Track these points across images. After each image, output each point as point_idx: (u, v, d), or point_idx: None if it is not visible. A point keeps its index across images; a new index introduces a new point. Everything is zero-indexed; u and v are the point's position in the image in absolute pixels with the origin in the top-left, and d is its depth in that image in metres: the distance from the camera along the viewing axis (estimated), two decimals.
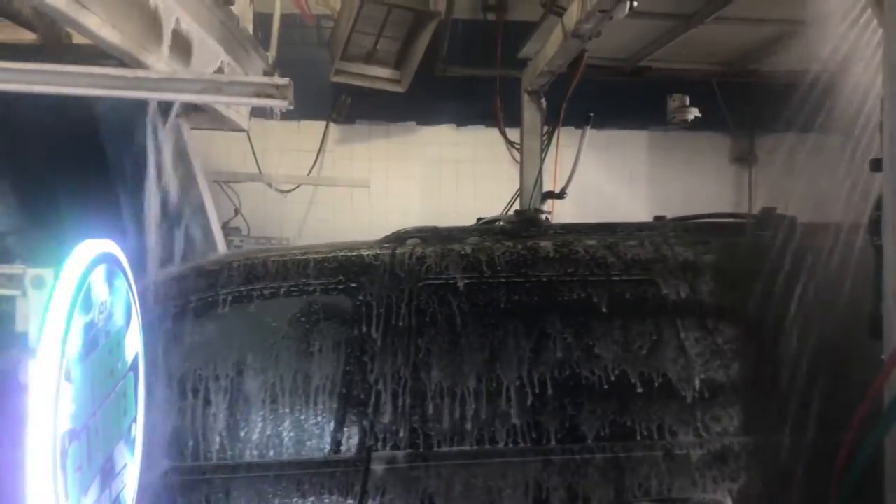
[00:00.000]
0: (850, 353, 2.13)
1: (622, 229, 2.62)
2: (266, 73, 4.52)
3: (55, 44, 3.42)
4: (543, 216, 4.71)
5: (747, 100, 5.69)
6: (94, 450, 1.44)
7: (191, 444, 2.24)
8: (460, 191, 6.35)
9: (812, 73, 2.33)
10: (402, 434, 2.22)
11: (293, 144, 6.21)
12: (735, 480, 2.19)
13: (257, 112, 4.78)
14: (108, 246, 1.54)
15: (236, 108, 4.29)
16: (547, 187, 4.99)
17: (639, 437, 2.22)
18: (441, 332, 2.32)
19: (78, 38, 3.34)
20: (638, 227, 2.64)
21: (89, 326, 1.42)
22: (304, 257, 2.48)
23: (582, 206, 5.05)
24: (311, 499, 2.17)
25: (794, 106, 2.36)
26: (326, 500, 2.17)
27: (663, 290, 2.37)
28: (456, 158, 6.38)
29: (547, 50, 4.29)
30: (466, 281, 2.38)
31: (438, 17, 5.43)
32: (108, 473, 1.52)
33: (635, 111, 6.06)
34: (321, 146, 6.29)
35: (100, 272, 1.48)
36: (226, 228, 5.23)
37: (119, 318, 1.60)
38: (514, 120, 5.47)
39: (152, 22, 2.92)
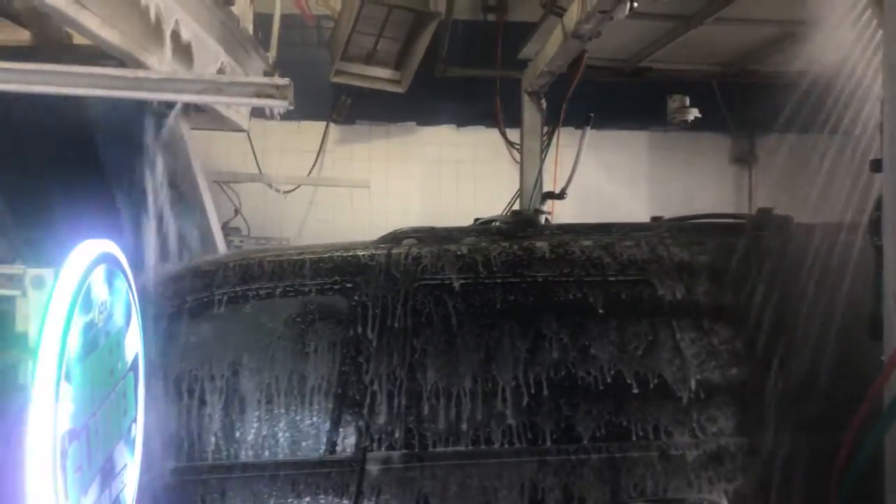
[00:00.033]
0: (847, 353, 2.13)
1: (618, 230, 2.62)
2: (266, 74, 4.52)
3: (50, 44, 3.41)
4: (543, 216, 4.72)
5: (747, 100, 5.69)
6: (94, 450, 1.44)
7: (185, 444, 2.23)
8: (460, 191, 6.35)
9: (812, 73, 2.33)
10: (397, 434, 2.22)
11: (293, 145, 6.22)
12: (731, 481, 2.19)
13: (257, 112, 4.77)
14: (108, 246, 1.54)
15: (236, 108, 4.29)
16: (547, 188, 4.99)
17: (634, 438, 2.22)
18: (437, 333, 2.32)
19: (78, 39, 3.34)
20: (634, 228, 2.64)
21: (89, 326, 1.42)
22: (299, 257, 2.48)
23: (582, 207, 5.05)
24: (307, 499, 2.16)
25: (794, 106, 2.36)
26: (322, 501, 2.16)
27: (659, 291, 2.37)
28: (456, 159, 6.38)
29: (547, 50, 4.29)
30: (462, 281, 2.38)
31: (438, 18, 5.43)
32: (108, 473, 1.52)
33: (635, 112, 6.06)
34: (321, 146, 6.29)
35: (100, 272, 1.48)
36: (226, 229, 5.22)
37: (119, 318, 1.60)
38: (515, 120, 5.47)
39: (152, 22, 2.92)
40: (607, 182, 6.02)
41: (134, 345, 1.69)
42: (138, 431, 1.73)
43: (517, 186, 5.39)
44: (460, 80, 6.14)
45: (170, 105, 2.96)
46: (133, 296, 1.68)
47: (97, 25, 2.60)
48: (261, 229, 5.96)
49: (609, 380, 2.26)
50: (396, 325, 2.32)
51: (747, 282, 2.38)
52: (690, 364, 2.28)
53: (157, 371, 2.20)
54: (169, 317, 2.37)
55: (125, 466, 1.62)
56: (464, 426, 2.23)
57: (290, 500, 2.17)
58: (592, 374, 2.27)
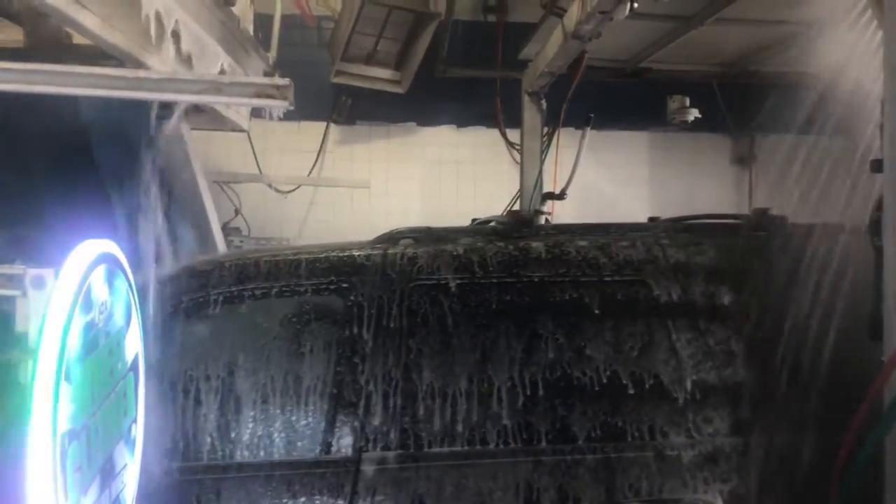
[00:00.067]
0: (842, 353, 2.13)
1: (614, 230, 2.62)
2: (266, 74, 4.52)
3: (44, 44, 3.41)
4: (543, 217, 4.72)
5: (748, 101, 5.69)
6: (94, 450, 1.44)
7: (180, 444, 2.23)
8: (460, 192, 6.35)
9: (812, 74, 2.33)
10: (392, 435, 2.22)
11: (293, 145, 6.21)
12: (726, 481, 2.19)
13: (258, 113, 4.78)
14: (108, 246, 1.54)
15: (236, 108, 4.29)
16: (547, 188, 5.00)
17: (630, 438, 2.22)
18: (432, 333, 2.31)
19: (78, 39, 3.34)
20: (630, 228, 2.64)
21: (89, 326, 1.42)
22: (295, 258, 2.48)
23: (582, 207, 5.05)
24: (302, 499, 2.16)
25: (794, 107, 2.36)
26: (317, 501, 2.16)
27: (655, 291, 2.37)
28: (456, 159, 6.38)
29: (547, 51, 4.29)
30: (458, 281, 2.38)
31: (439, 19, 5.43)
32: (108, 473, 1.52)
33: (635, 112, 6.06)
34: (321, 147, 6.29)
35: (100, 272, 1.48)
36: (226, 229, 5.22)
37: (119, 319, 1.60)
38: (515, 121, 5.48)
39: (152, 22, 2.92)
40: (607, 182, 6.02)
41: (134, 345, 1.69)
42: (138, 431, 1.73)
43: (517, 187, 5.39)
44: (460, 80, 6.14)
45: (166, 105, 2.96)
46: (133, 296, 1.68)
47: (97, 25, 2.60)
48: (261, 230, 5.96)
49: (605, 380, 2.26)
50: (392, 325, 2.32)
51: (742, 282, 2.38)
52: (686, 364, 2.29)
53: (153, 371, 2.20)
54: (164, 317, 2.37)
55: (125, 466, 1.62)
56: (459, 426, 2.22)
57: (285, 500, 2.17)
58: (588, 375, 2.27)
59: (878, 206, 1.94)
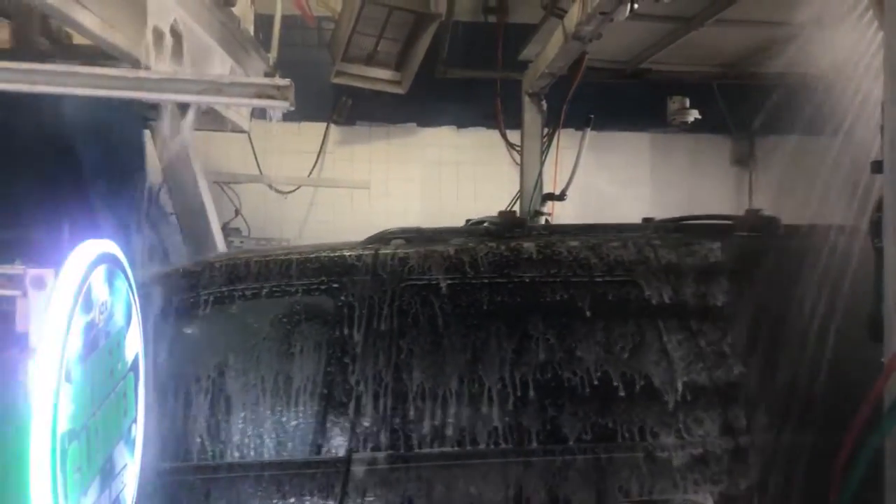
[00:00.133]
0: (835, 354, 2.13)
1: (606, 231, 2.62)
2: (267, 75, 4.52)
3: (29, 42, 3.40)
4: (544, 218, 4.73)
5: (748, 102, 5.69)
6: (93, 450, 1.44)
7: (170, 445, 2.22)
8: (461, 192, 6.35)
9: (813, 75, 2.33)
10: (383, 435, 2.21)
11: (294, 146, 6.22)
12: (717, 483, 2.19)
13: (258, 113, 4.78)
14: (109, 246, 1.54)
15: (237, 109, 4.29)
16: (547, 189, 5.00)
17: (620, 439, 2.22)
18: (423, 333, 2.31)
19: (78, 39, 3.34)
20: (622, 229, 2.64)
21: (89, 326, 1.42)
22: (285, 258, 2.47)
23: (582, 208, 5.05)
24: (292, 500, 2.15)
25: (794, 108, 2.36)
26: (307, 501, 2.16)
27: (646, 292, 2.37)
28: (456, 160, 6.39)
29: (547, 52, 4.29)
30: (449, 282, 2.37)
31: (439, 19, 5.44)
32: (107, 474, 1.52)
33: (635, 113, 6.07)
34: (321, 147, 6.29)
35: (100, 272, 1.48)
36: (226, 229, 5.22)
37: (119, 319, 1.60)
38: (515, 122, 5.47)
39: (152, 22, 2.92)
40: (607, 183, 6.01)
41: (134, 345, 1.69)
42: (138, 432, 1.73)
43: (517, 188, 5.39)
44: (461, 81, 6.14)
45: (154, 107, 2.96)
46: (133, 296, 1.67)
47: (97, 25, 2.60)
48: (261, 230, 5.96)
49: (595, 381, 2.26)
50: (383, 325, 2.31)
51: (733, 282, 2.38)
52: (677, 365, 2.28)
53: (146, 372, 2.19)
54: (155, 317, 2.37)
55: (125, 466, 1.62)
56: (450, 427, 2.22)
57: (275, 500, 2.16)
58: (578, 376, 2.26)
59: (878, 208, 1.94)
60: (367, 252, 2.47)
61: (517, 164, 5.82)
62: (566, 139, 4.97)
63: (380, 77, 5.81)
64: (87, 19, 2.54)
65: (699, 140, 6.35)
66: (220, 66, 3.56)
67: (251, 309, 2.42)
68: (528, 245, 2.48)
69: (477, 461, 2.20)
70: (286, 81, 2.58)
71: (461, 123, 6.39)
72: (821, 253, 2.18)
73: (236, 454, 2.22)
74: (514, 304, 2.37)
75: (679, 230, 2.72)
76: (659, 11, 3.92)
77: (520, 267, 2.42)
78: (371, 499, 2.16)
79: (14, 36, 3.39)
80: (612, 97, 5.57)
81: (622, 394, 2.25)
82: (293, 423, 2.24)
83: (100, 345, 1.48)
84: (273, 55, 4.71)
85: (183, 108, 3.35)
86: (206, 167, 4.23)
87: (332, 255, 2.47)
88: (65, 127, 3.19)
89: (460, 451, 2.21)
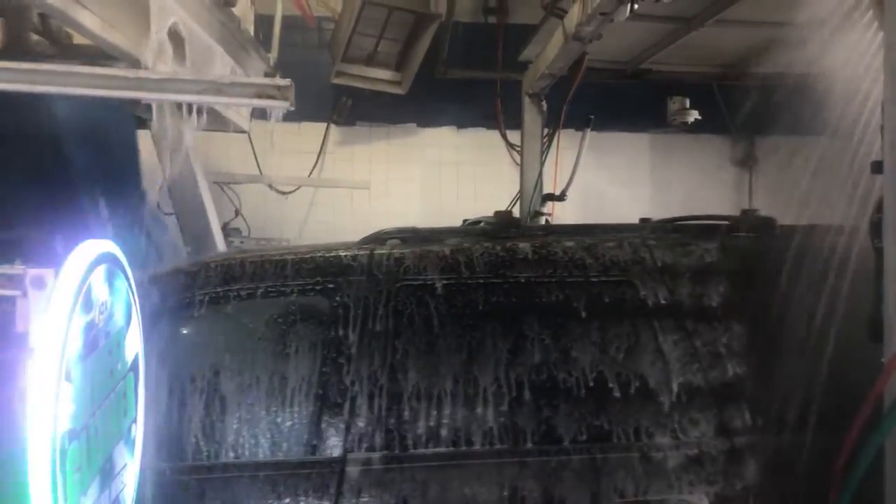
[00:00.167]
0: (831, 354, 2.13)
1: (603, 231, 2.62)
2: (267, 75, 4.52)
3: (22, 41, 3.39)
4: (544, 218, 4.73)
5: (748, 102, 5.69)
6: (93, 450, 1.44)
7: (165, 445, 2.22)
8: (461, 193, 6.36)
9: (813, 75, 2.33)
10: (378, 436, 2.21)
11: (294, 146, 6.22)
12: (712, 483, 2.19)
13: (258, 113, 4.78)
14: (108, 246, 1.54)
15: (237, 109, 4.29)
16: (547, 189, 5.00)
17: (616, 440, 2.22)
18: (418, 334, 2.31)
19: (78, 39, 3.34)
20: (619, 229, 2.64)
21: (89, 326, 1.42)
22: (281, 258, 2.47)
23: (582, 209, 5.06)
24: (287, 500, 2.15)
25: (794, 109, 2.36)
26: (302, 502, 2.16)
27: (641, 292, 2.37)
28: (456, 160, 6.39)
29: (548, 52, 4.29)
30: (444, 282, 2.37)
31: (439, 20, 5.44)
32: (107, 474, 1.52)
33: (636, 114, 6.07)
34: (322, 148, 6.29)
35: (100, 272, 1.48)
36: (226, 230, 5.22)
37: (119, 319, 1.60)
38: (515, 122, 5.48)
39: (152, 22, 2.92)
40: (607, 184, 6.02)
41: (134, 345, 1.69)
42: (138, 432, 1.73)
43: (517, 188, 5.39)
44: (461, 81, 6.14)
45: (149, 106, 2.95)
46: (133, 296, 1.68)
47: (97, 25, 2.60)
48: (261, 230, 5.96)
49: (591, 382, 2.26)
50: (378, 325, 2.31)
51: (729, 283, 2.38)
52: (673, 366, 2.28)
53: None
54: (150, 318, 2.36)
55: (125, 466, 1.62)
56: (445, 428, 2.22)
57: (270, 501, 2.16)
58: (574, 376, 2.26)
59: (879, 208, 1.94)
60: (362, 252, 2.46)
61: (517, 164, 5.82)
62: (566, 139, 4.98)
63: (380, 77, 5.81)
64: (87, 19, 2.54)
65: (699, 140, 6.35)
66: (221, 66, 3.56)
67: (247, 309, 2.41)
68: (524, 245, 2.48)
69: (472, 462, 2.20)
70: (286, 81, 2.57)
71: (461, 124, 6.39)
72: (818, 253, 2.18)
73: (231, 454, 2.22)
74: (509, 304, 2.37)
75: (676, 230, 2.72)
76: (659, 12, 3.93)
77: (515, 267, 2.41)
78: (366, 499, 2.16)
79: (7, 34, 3.38)
80: (612, 97, 5.57)
81: (617, 394, 2.25)
82: (288, 423, 2.24)
83: (100, 345, 1.48)
84: (273, 55, 4.71)
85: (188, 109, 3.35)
86: (206, 167, 4.23)
87: (327, 255, 2.47)
88: (65, 127, 3.19)
89: (455, 452, 2.21)
